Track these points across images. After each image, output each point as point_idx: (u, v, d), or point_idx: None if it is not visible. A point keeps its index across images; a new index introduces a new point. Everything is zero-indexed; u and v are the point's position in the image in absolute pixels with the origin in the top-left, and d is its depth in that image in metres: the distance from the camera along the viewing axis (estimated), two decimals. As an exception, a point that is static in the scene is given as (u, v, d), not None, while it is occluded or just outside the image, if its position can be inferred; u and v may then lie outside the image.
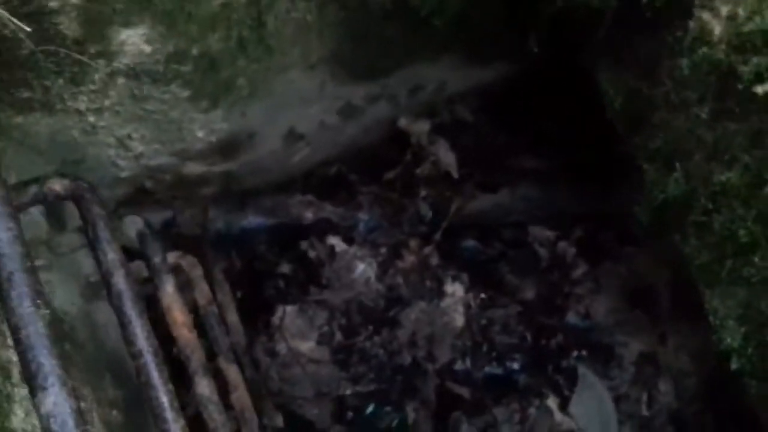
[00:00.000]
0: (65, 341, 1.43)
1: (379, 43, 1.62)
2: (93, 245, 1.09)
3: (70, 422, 0.71)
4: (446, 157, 2.03)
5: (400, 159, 2.08)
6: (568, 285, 2.03)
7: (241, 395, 1.55)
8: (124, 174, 1.72)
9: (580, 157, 2.11)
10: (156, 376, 1.02)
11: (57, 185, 1.09)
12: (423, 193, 2.00)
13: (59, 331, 1.45)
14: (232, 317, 1.88)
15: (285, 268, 1.95)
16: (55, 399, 0.71)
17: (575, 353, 1.97)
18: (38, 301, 0.74)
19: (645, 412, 1.93)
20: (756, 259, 1.15)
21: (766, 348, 1.21)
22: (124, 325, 1.06)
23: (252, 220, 1.92)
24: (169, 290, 1.31)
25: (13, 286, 0.74)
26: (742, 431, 1.86)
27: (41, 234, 1.40)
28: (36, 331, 0.72)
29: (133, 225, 1.44)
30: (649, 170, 1.36)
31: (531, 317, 2.00)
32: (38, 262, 1.43)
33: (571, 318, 2.00)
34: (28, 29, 1.08)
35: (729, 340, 1.28)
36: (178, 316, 1.30)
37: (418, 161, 2.04)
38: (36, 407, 0.74)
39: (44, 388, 0.72)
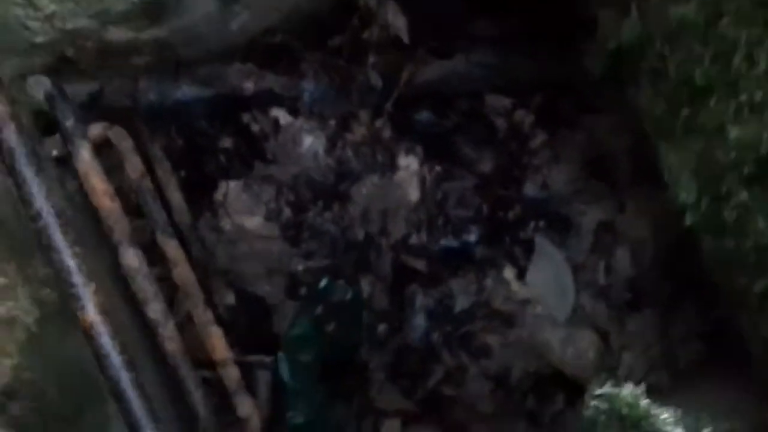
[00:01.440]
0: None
1: None
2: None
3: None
4: (396, 20, 1.88)
5: (348, 24, 1.93)
6: (525, 155, 1.96)
7: (182, 270, 1.48)
8: (38, 39, 1.56)
9: (539, 21, 1.98)
10: (60, 238, 0.93)
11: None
12: (372, 59, 1.87)
13: None
14: (175, 195, 1.79)
15: (226, 142, 1.84)
16: None
17: (533, 224, 1.93)
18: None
19: (602, 280, 1.91)
20: (711, 104, 1.07)
21: (719, 201, 1.16)
22: (18, 185, 0.96)
23: (186, 91, 1.79)
24: (85, 156, 1.20)
25: None
26: (698, 297, 1.86)
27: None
28: None
29: (40, 86, 1.30)
30: (604, 16, 1.25)
31: (488, 189, 1.94)
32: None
33: (529, 189, 1.94)
34: None
35: (684, 195, 1.23)
36: (98, 184, 1.20)
37: (366, 25, 1.89)
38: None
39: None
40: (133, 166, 1.48)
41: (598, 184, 1.97)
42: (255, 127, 1.84)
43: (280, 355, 1.73)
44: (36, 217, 0.95)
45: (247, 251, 1.78)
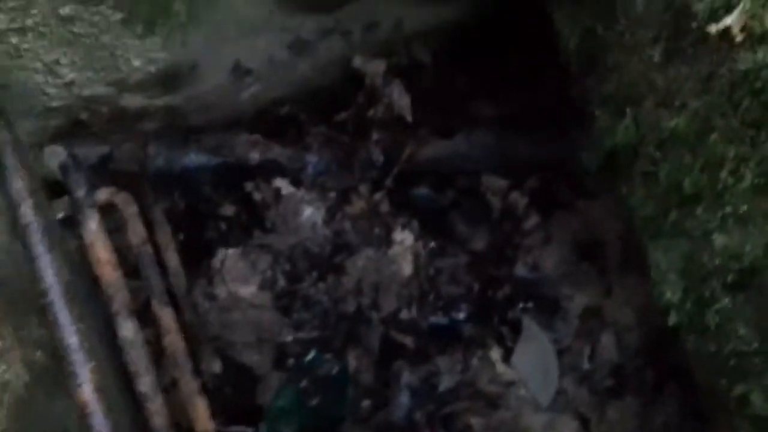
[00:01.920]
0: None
1: (329, -29, 1.52)
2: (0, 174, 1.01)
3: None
4: (400, 99, 1.95)
5: (354, 100, 2.00)
6: (518, 236, 2.00)
7: (173, 339, 1.49)
8: (55, 103, 1.62)
9: (538, 104, 2.06)
10: (64, 315, 0.95)
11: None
12: (375, 136, 1.93)
13: None
14: (172, 259, 1.82)
15: (228, 210, 1.88)
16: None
17: (521, 305, 1.95)
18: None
19: (587, 365, 1.93)
20: (699, 211, 1.12)
21: (703, 303, 1.19)
22: (32, 259, 0.98)
23: (194, 158, 1.84)
24: (92, 226, 1.23)
25: None
26: (681, 387, 1.88)
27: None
28: None
29: (54, 156, 1.34)
30: (601, 116, 1.32)
31: (480, 268, 1.97)
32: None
33: (520, 269, 1.98)
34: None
35: (669, 294, 1.27)
36: (102, 254, 1.23)
37: (371, 103, 1.96)
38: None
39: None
40: (136, 231, 1.51)
41: (587, 268, 2.01)
42: (257, 196, 1.89)
43: (262, 426, 1.73)
44: (44, 293, 0.97)
45: (240, 319, 1.79)
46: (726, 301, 1.14)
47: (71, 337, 0.96)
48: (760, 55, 0.87)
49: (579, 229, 2.04)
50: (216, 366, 1.77)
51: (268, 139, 1.91)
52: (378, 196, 1.98)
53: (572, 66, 1.34)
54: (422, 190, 2.04)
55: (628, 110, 1.22)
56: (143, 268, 1.53)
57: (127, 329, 1.23)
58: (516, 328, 1.94)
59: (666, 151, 1.14)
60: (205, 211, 1.94)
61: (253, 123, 1.98)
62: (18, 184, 0.97)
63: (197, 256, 1.90)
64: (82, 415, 0.91)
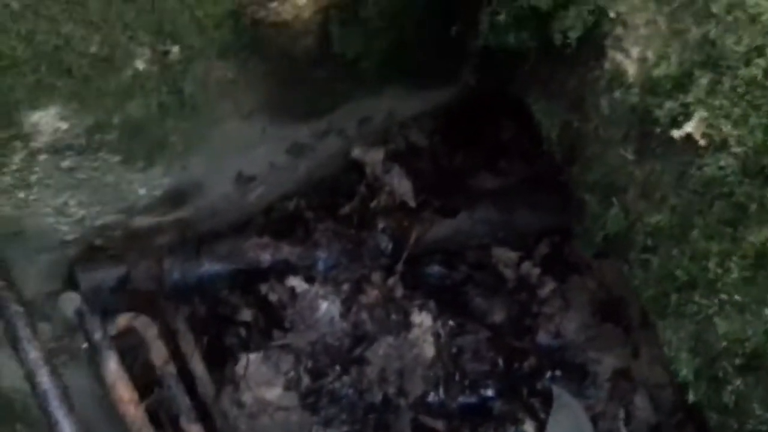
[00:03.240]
0: (17, 421, 1.41)
1: (313, 86, 1.58)
2: (14, 345, 1.07)
3: None
4: (401, 185, 1.99)
5: (357, 190, 2.05)
6: (536, 304, 2.00)
7: (203, 456, 1.52)
8: (68, 237, 1.69)
9: (538, 171, 2.08)
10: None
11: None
12: (381, 224, 1.96)
13: (11, 411, 1.42)
14: (198, 368, 1.86)
15: (246, 314, 1.92)
16: None
17: (549, 374, 1.94)
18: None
19: (623, 428, 1.90)
20: (696, 297, 1.12)
21: (718, 383, 1.18)
22: (51, 426, 1.03)
23: (208, 267, 1.89)
24: (112, 367, 1.28)
25: None
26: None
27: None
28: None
29: (69, 302, 1.40)
30: (590, 202, 1.33)
31: (501, 341, 1.97)
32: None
33: (542, 338, 1.97)
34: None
35: (684, 372, 1.25)
36: (124, 394, 1.27)
37: (374, 192, 2.00)
38: None
39: None
40: (158, 352, 1.56)
41: (610, 329, 1.99)
42: (273, 297, 1.93)
43: None
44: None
45: (268, 423, 1.81)
46: (738, 382, 1.13)
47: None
48: (722, 161, 0.88)
49: (596, 290, 2.03)
50: (249, 473, 1.79)
51: (277, 240, 1.95)
52: (391, 281, 2.00)
53: (556, 155, 1.36)
54: (434, 268, 2.06)
55: (614, 199, 1.23)
56: (168, 388, 1.57)
57: (152, 467, 1.26)
58: (547, 399, 1.92)
59: (655, 241, 1.15)
60: (224, 314, 1.99)
61: (262, 224, 2.03)
62: (33, 354, 1.03)
63: (222, 361, 1.94)
64: None
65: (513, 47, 1.21)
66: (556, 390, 1.93)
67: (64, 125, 1.26)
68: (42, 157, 1.32)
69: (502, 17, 1.14)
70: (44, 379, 1.04)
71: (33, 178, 1.38)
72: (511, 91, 1.43)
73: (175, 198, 1.78)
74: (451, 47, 1.42)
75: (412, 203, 1.98)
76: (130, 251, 1.89)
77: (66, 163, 1.39)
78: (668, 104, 0.95)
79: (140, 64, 1.19)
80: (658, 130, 0.99)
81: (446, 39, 1.40)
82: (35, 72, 1.07)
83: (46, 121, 1.23)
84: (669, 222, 1.07)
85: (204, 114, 1.45)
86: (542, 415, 1.92)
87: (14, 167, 1.32)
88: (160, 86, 1.26)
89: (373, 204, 1.97)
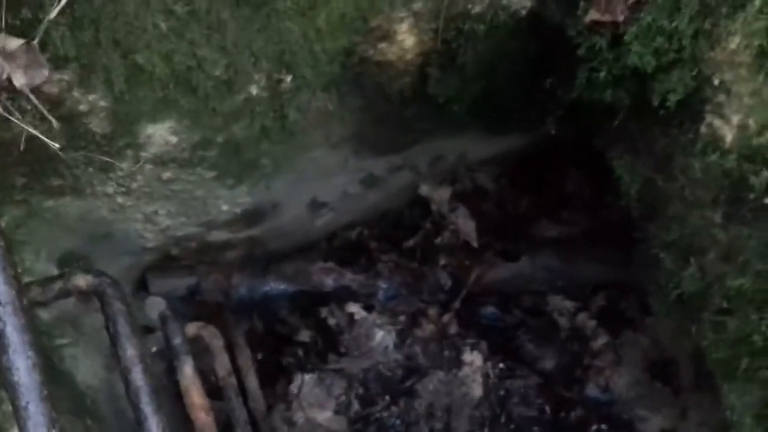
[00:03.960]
0: (87, 416, 1.47)
1: (399, 124, 1.65)
2: (113, 340, 1.13)
3: None
4: (466, 225, 2.04)
5: (421, 225, 2.11)
6: (588, 356, 2.02)
7: (256, 469, 1.56)
8: (150, 244, 1.77)
9: (601, 224, 2.11)
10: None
11: (81, 281, 1.14)
12: (443, 261, 2.02)
13: (82, 406, 1.48)
14: (252, 383, 1.91)
15: (304, 335, 1.97)
16: None
17: (595, 427, 1.95)
18: (54, 430, 0.77)
19: (666, 489, 1.89)
20: (772, 364, 1.14)
21: (785, 450, 1.19)
22: (140, 421, 1.08)
23: (274, 286, 1.96)
24: (188, 372, 1.34)
25: (29, 416, 0.77)
26: None
27: (68, 313, 1.44)
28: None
29: (155, 306, 1.47)
30: (666, 259, 1.36)
31: (550, 389, 1.98)
32: (64, 340, 1.48)
33: (591, 390, 1.98)
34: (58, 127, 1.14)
35: (748, 439, 1.26)
36: (196, 399, 1.33)
37: (438, 229, 2.06)
38: None
39: None
40: (222, 364, 1.61)
41: (660, 389, 2.00)
42: (332, 321, 1.98)
43: None
44: (151, 453, 1.07)
45: (317, 444, 1.85)
46: (805, 454, 1.14)
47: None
48: (819, 234, 0.91)
49: (649, 348, 2.04)
50: (295, 492, 1.82)
51: (341, 266, 2.02)
52: (446, 318, 2.04)
53: (633, 211, 1.40)
54: (489, 310, 2.09)
55: (692, 259, 1.26)
56: (228, 400, 1.62)
57: (218, 473, 1.31)
58: (590, 452, 1.93)
59: (732, 305, 1.18)
60: (282, 333, 2.04)
61: (327, 250, 2.10)
62: (130, 351, 1.09)
63: (274, 379, 1.99)
64: None
65: (607, 103, 1.26)
66: (602, 444, 1.94)
67: (173, 139, 1.34)
68: (147, 167, 1.41)
69: (601, 74, 1.20)
70: (138, 376, 1.10)
71: (134, 185, 1.47)
72: (595, 144, 1.47)
73: (252, 216, 1.85)
74: (540, 98, 1.48)
75: (475, 243, 2.03)
76: (201, 263, 1.97)
77: (166, 175, 1.47)
78: (766, 173, 1.00)
79: (255, 89, 1.27)
80: (752, 196, 1.03)
81: (536, 89, 1.46)
82: (164, 88, 1.16)
83: (160, 134, 1.31)
84: (751, 286, 1.10)
85: (298, 140, 1.52)
86: (586, 468, 1.92)
87: (120, 174, 1.40)
88: (268, 111, 1.34)
89: (436, 240, 2.02)
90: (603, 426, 1.95)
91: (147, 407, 1.09)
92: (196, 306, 1.86)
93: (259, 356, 2.03)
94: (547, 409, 1.97)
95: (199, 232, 1.82)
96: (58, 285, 1.13)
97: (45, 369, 0.83)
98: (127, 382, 1.10)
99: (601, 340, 2.03)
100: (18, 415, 0.78)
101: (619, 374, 2.00)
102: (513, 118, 1.63)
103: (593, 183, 2.18)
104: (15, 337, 0.80)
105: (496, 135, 1.89)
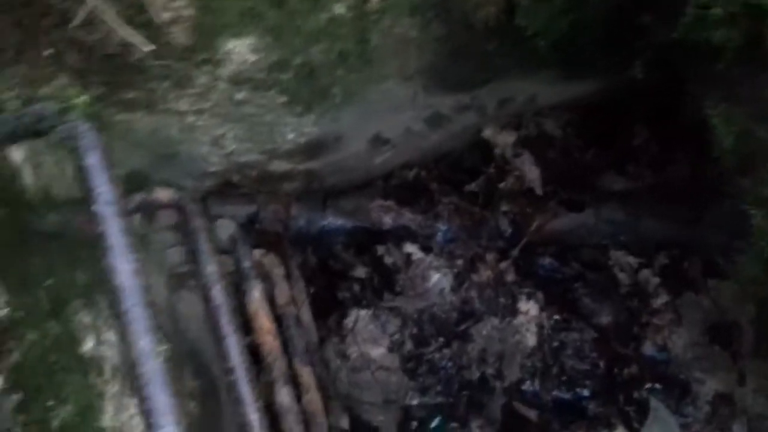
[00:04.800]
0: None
1: (477, 58, 1.59)
2: (194, 256, 1.12)
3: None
4: (531, 172, 1.98)
5: (482, 170, 2.05)
6: (646, 314, 1.97)
7: (312, 398, 1.57)
8: (213, 168, 1.75)
9: (669, 181, 2.04)
10: (247, 392, 1.04)
11: (162, 195, 1.12)
12: (504, 207, 1.97)
13: (192, 359, 1.49)
14: (306, 315, 1.90)
15: (360, 272, 1.95)
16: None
17: (649, 385, 1.91)
18: (156, 337, 0.76)
19: (717, 452, 1.86)
20: None
21: None
22: (219, 339, 1.08)
23: (332, 221, 1.93)
24: (256, 296, 1.33)
25: (132, 319, 0.76)
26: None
27: (135, 229, 1.43)
28: (154, 367, 0.74)
29: (225, 228, 1.46)
30: (757, 216, 1.30)
31: (605, 344, 1.95)
32: (132, 256, 1.48)
33: (648, 349, 1.94)
34: (142, 39, 1.10)
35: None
36: (264, 323, 1.32)
37: (501, 174, 2.00)
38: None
39: (160, 427, 0.73)
40: (282, 293, 1.60)
41: (719, 352, 1.95)
42: (388, 259, 1.95)
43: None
44: (229, 371, 1.06)
45: (369, 379, 1.85)
46: None
47: (253, 414, 1.04)
48: None
49: (710, 310, 1.98)
50: (344, 422, 1.83)
51: (400, 206, 1.98)
52: (504, 265, 2.00)
53: (726, 163, 1.33)
54: (547, 261, 2.04)
55: (789, 216, 1.20)
56: (287, 328, 1.62)
57: (284, 395, 1.31)
58: (642, 409, 1.90)
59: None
60: (335, 269, 2.03)
61: (385, 188, 2.06)
62: (211, 268, 1.08)
63: (326, 312, 1.98)
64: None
65: (714, 45, 1.18)
66: (654, 402, 1.90)
67: (252, 57, 1.31)
68: (222, 86, 1.37)
69: (715, 11, 1.11)
70: (218, 294, 1.08)
71: (207, 105, 1.44)
72: (686, 90, 1.39)
73: (314, 148, 1.82)
74: (631, 37, 1.40)
75: (539, 191, 1.98)
76: (260, 192, 1.95)
77: (239, 96, 1.44)
78: None
79: (340, 8, 1.22)
80: None
81: (628, 28, 1.38)
82: (252, -1, 1.11)
83: (239, 50, 1.28)
84: None
85: (374, 69, 1.47)
86: (635, 425, 1.89)
87: (195, 91, 1.37)
88: (350, 34, 1.29)
89: (499, 186, 1.97)
90: (657, 385, 1.92)
91: (227, 326, 1.08)
92: (255, 234, 1.85)
93: (311, 290, 2.02)
94: (601, 364, 1.94)
95: (261, 160, 1.80)
96: (138, 198, 1.11)
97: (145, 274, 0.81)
98: (207, 300, 1.10)
99: (662, 299, 1.97)
100: (121, 319, 0.77)
101: (678, 335, 1.95)
102: (596, 58, 1.56)
103: (662, 138, 2.10)
104: (119, 240, 0.78)
105: (572, 78, 1.82)
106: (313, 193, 2.03)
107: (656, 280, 1.95)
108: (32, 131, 0.85)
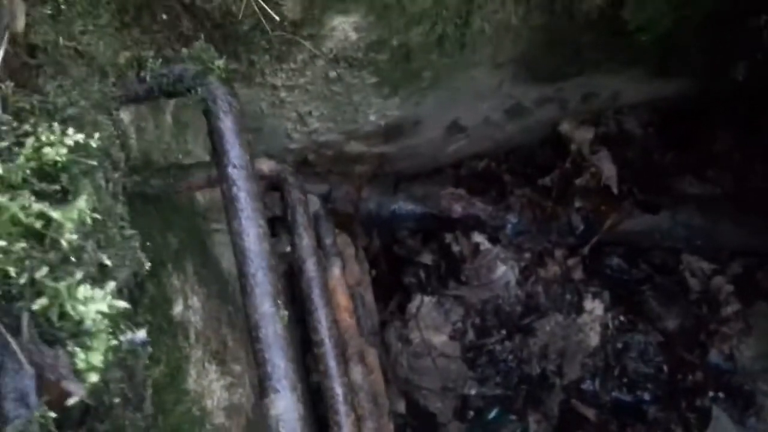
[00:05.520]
0: (230, 304, 1.49)
1: (570, 49, 1.56)
2: (291, 228, 1.12)
3: (298, 428, 0.73)
4: (608, 169, 1.95)
5: (555, 165, 2.03)
6: (715, 322, 1.94)
7: (376, 379, 1.57)
8: (293, 146, 1.76)
9: (748, 189, 1.99)
10: (334, 366, 1.04)
11: (264, 166, 1.12)
12: (578, 203, 1.94)
13: (225, 292, 1.51)
14: (369, 297, 1.91)
15: (426, 258, 1.95)
16: (287, 403, 0.73)
17: (712, 394, 1.88)
18: (278, 302, 0.76)
19: (779, 468, 1.82)
20: None
21: None
22: (310, 311, 1.08)
23: (402, 205, 1.93)
24: (336, 273, 1.33)
25: (257, 283, 0.76)
26: None
27: (220, 200, 1.44)
28: (275, 332, 0.74)
29: (310, 205, 1.46)
30: None
31: (670, 349, 1.92)
32: (217, 225, 1.49)
33: (714, 357, 1.91)
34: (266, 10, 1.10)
35: None
36: (342, 300, 1.32)
37: (577, 170, 1.98)
38: (265, 408, 0.76)
39: (276, 391, 0.74)
40: (353, 272, 1.60)
41: (788, 366, 1.91)
42: (456, 248, 1.95)
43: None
44: (319, 343, 1.07)
45: (429, 366, 1.85)
46: None
47: (339, 388, 1.04)
48: None
49: (782, 322, 1.94)
50: (401, 406, 1.84)
51: (471, 195, 1.97)
52: (572, 262, 1.98)
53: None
54: (614, 262, 2.02)
55: None
56: (357, 308, 1.62)
57: (358, 373, 1.31)
58: (704, 417, 1.87)
59: None
60: (399, 255, 2.03)
61: (455, 176, 2.05)
62: (305, 241, 1.08)
63: (387, 297, 1.99)
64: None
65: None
66: (717, 411, 1.87)
67: (353, 35, 1.30)
68: (320, 62, 1.37)
69: None
70: (312, 267, 1.09)
71: (301, 80, 1.44)
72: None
73: (392, 131, 1.81)
74: (737, 38, 1.36)
75: (615, 189, 1.94)
76: (332, 172, 1.96)
77: (333, 73, 1.43)
78: None
79: (449, -9, 1.20)
80: None
81: (739, 27, 1.34)
82: (365, -25, 1.11)
83: (343, 28, 1.27)
84: None
85: (467, 54, 1.46)
86: (696, 432, 1.87)
87: (293, 66, 1.37)
88: (453, 17, 1.28)
89: (576, 181, 1.94)
90: (721, 394, 1.89)
91: (318, 299, 1.08)
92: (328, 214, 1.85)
93: (373, 273, 2.03)
94: (665, 368, 1.91)
95: (339, 141, 1.80)
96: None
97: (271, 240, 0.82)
98: (300, 272, 1.10)
99: (733, 307, 1.93)
100: (245, 281, 0.78)
101: (746, 345, 1.91)
102: (698, 57, 1.52)
103: (743, 146, 2.04)
104: (248, 203, 0.79)
105: (662, 76, 1.77)
106: (384, 177, 2.03)
107: (729, 287, 1.91)
108: (169, 91, 0.86)
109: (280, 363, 0.72)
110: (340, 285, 1.35)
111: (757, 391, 1.88)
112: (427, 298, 1.89)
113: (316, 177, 1.92)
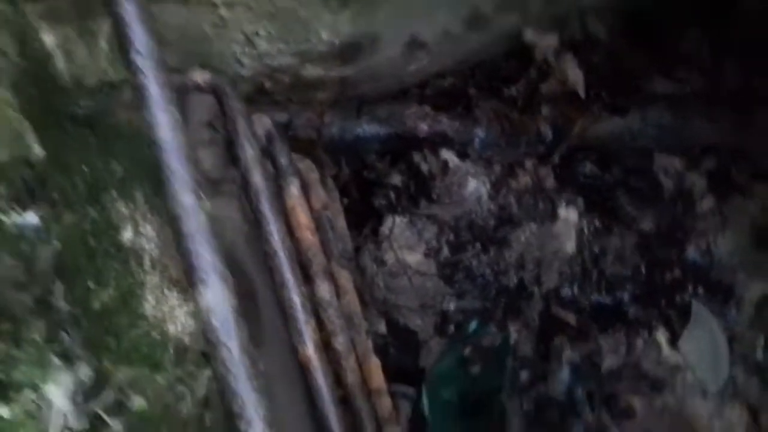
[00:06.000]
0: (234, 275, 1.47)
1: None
2: (232, 140, 1.09)
3: (231, 318, 0.72)
4: (573, 74, 1.91)
5: (523, 75, 1.98)
6: (691, 219, 1.92)
7: (351, 300, 1.57)
8: (246, 72, 1.71)
9: (717, 86, 1.96)
10: (289, 276, 1.03)
11: (198, 77, 1.09)
12: (545, 111, 1.91)
13: (230, 264, 1.49)
14: (340, 223, 1.89)
15: (396, 179, 1.92)
16: (214, 294, 0.72)
17: (691, 289, 1.89)
18: (200, 193, 0.74)
19: (760, 356, 1.84)
20: None
21: None
22: (260, 223, 1.07)
23: (366, 128, 1.90)
24: (294, 192, 1.31)
25: (175, 175, 0.74)
26: None
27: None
28: (197, 223, 0.72)
29: (260, 125, 1.43)
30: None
31: (647, 249, 1.92)
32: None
33: (691, 253, 1.91)
34: None
35: None
36: (302, 219, 1.31)
37: (542, 77, 1.93)
38: (195, 301, 0.75)
39: (204, 282, 0.72)
40: (318, 197, 1.58)
41: (765, 257, 1.91)
42: (424, 167, 1.92)
43: (424, 387, 1.78)
44: (272, 254, 1.06)
45: (405, 285, 1.85)
46: None
47: (295, 297, 1.03)
48: None
49: (758, 215, 1.93)
50: (381, 326, 1.84)
51: (437, 112, 1.93)
52: (543, 171, 1.96)
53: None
54: (587, 166, 1.99)
55: None
56: (323, 232, 1.60)
57: (324, 290, 1.31)
58: (684, 313, 1.88)
59: None
60: (370, 179, 2.00)
61: (422, 96, 2.01)
62: (250, 151, 1.05)
63: (362, 222, 1.97)
64: (305, 370, 0.99)
65: None
66: (696, 306, 1.88)
67: (287, -60, 1.24)
68: (255, -28, 1.32)
69: None
70: (258, 178, 1.07)
71: (239, -5, 1.39)
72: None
73: (348, 51, 1.77)
74: None
75: (582, 94, 1.91)
76: (292, 101, 1.92)
77: (272, -14, 1.38)
78: None
79: None
80: None
81: None
82: None
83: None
84: None
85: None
86: (677, 328, 1.88)
87: (227, -20, 1.32)
88: None
89: (541, 88, 1.90)
90: (700, 289, 1.89)
91: (268, 210, 1.06)
92: (289, 142, 1.82)
93: (345, 201, 2.00)
94: (642, 268, 1.91)
95: (294, 64, 1.75)
96: (176, 80, 1.08)
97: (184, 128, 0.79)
98: (246, 183, 1.08)
99: (707, 203, 1.92)
100: (163, 175, 0.76)
101: (723, 238, 1.91)
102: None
103: (712, 43, 2.00)
104: (158, 92, 0.76)
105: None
106: (347, 101, 1.99)
107: (702, 183, 1.90)
108: None
109: (205, 254, 0.71)
110: (299, 204, 1.33)
111: (735, 284, 1.88)
112: (399, 219, 1.87)
113: (276, 106, 1.88)
